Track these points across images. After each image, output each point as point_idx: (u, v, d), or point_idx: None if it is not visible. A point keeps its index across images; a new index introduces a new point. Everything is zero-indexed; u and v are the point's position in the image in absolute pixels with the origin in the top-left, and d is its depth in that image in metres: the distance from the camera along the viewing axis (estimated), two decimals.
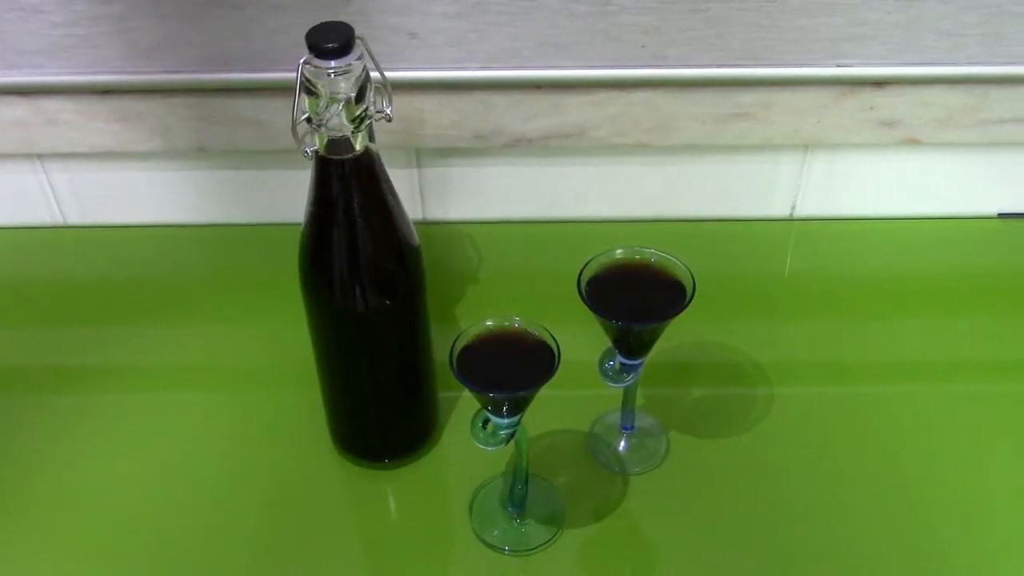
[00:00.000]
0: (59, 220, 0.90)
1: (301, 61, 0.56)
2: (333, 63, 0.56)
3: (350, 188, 0.60)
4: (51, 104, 0.79)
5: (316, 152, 0.59)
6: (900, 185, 0.87)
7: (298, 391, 0.74)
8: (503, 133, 0.81)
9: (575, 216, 0.87)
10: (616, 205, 0.87)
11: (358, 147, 0.59)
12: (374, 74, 0.58)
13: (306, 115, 0.58)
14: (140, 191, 0.88)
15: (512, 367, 0.61)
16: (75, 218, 0.90)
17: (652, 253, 0.65)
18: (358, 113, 0.58)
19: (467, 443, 0.72)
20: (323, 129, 0.58)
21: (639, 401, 0.72)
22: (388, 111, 0.60)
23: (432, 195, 0.87)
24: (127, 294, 0.85)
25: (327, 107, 0.57)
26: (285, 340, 0.76)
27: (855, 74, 0.77)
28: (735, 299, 0.82)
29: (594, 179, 0.86)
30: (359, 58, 0.57)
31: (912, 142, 0.81)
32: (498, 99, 0.79)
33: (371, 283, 0.63)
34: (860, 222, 0.89)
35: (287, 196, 0.84)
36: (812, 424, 0.73)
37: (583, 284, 0.64)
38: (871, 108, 0.79)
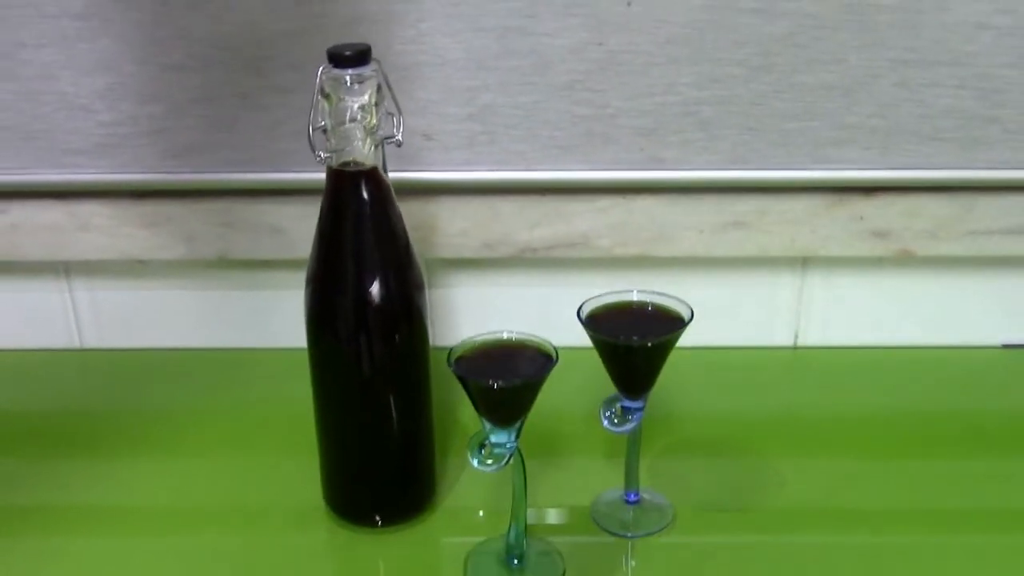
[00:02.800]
0: (75, 343, 0.92)
1: (320, 69, 0.62)
2: (350, 71, 0.61)
3: (359, 202, 0.63)
4: (85, 208, 0.85)
5: (328, 165, 0.63)
6: (903, 312, 0.89)
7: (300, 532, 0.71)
8: (509, 242, 0.84)
9: (573, 344, 0.87)
10: None
11: (369, 163, 0.63)
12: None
13: (322, 124, 0.63)
14: (158, 313, 0.91)
15: (510, 369, 0.61)
16: (92, 341, 0.92)
17: (651, 294, 0.67)
18: (370, 126, 0.62)
19: (464, 509, 0.71)
20: (335, 140, 0.62)
21: None
22: (398, 136, 0.65)
23: (440, 317, 0.89)
24: (129, 421, 0.83)
25: (342, 114, 0.61)
26: (291, 474, 0.75)
27: (841, 178, 0.81)
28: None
29: None
30: (374, 72, 0.62)
31: (905, 254, 0.84)
32: (505, 206, 0.83)
33: (376, 290, 0.64)
34: (861, 351, 0.89)
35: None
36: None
37: (583, 316, 0.65)
38: (861, 218, 0.83)
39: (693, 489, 0.73)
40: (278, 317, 0.90)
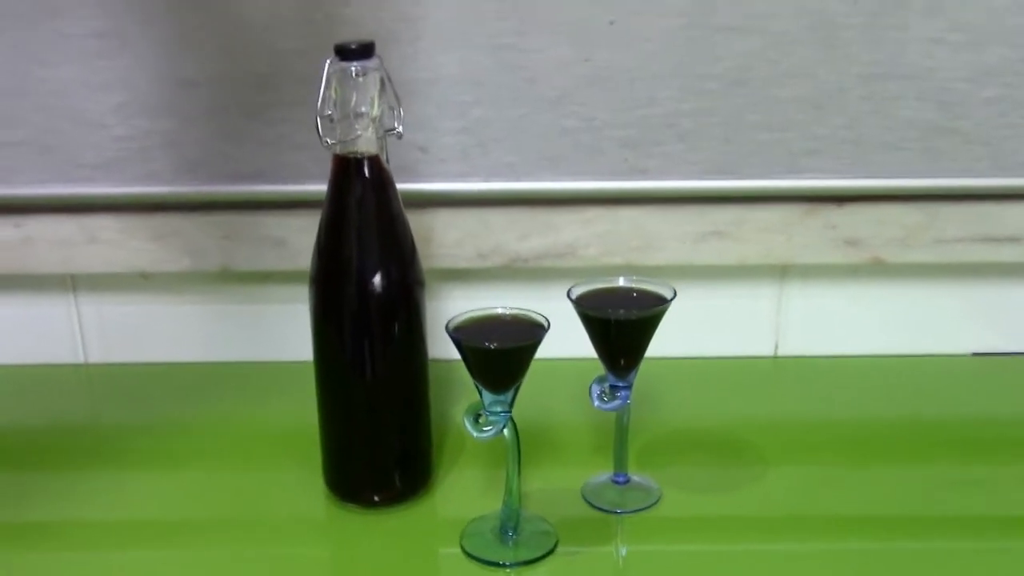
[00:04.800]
0: (80, 359, 0.95)
1: (328, 62, 0.66)
2: (355, 64, 0.66)
3: (363, 188, 0.68)
4: (95, 222, 0.89)
5: (334, 152, 0.68)
6: (878, 322, 0.93)
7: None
8: (501, 252, 0.89)
9: (559, 355, 0.90)
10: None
11: (372, 151, 0.68)
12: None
13: (329, 113, 0.67)
14: (162, 327, 0.94)
15: (505, 336, 0.65)
16: (97, 356, 0.95)
17: (637, 280, 0.71)
18: (373, 114, 0.67)
19: (459, 489, 0.75)
20: (341, 129, 0.67)
21: None
22: (398, 128, 0.69)
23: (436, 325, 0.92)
24: (133, 435, 0.85)
25: (347, 104, 0.66)
26: (293, 472, 0.77)
27: (813, 187, 0.86)
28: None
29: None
30: (377, 66, 0.67)
31: (877, 262, 0.88)
32: (496, 217, 0.88)
33: (379, 277, 0.68)
34: (838, 360, 0.93)
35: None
36: None
37: (573, 296, 0.69)
38: (834, 227, 0.88)
39: (679, 479, 0.76)
40: (280, 331, 0.93)
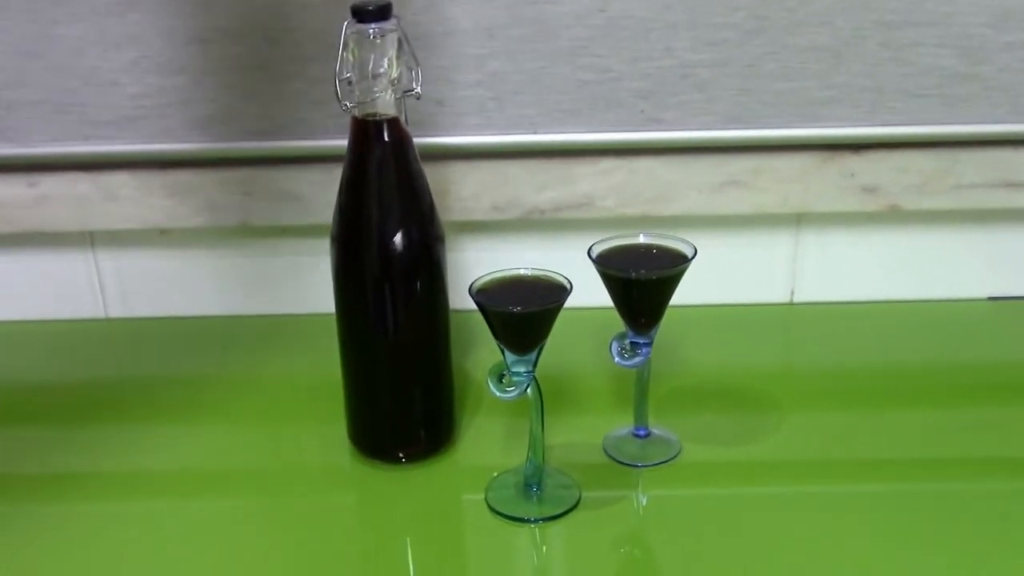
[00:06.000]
0: (101, 313, 0.96)
1: (345, 24, 0.66)
2: (373, 25, 0.66)
3: (383, 148, 0.68)
4: (113, 179, 0.89)
5: (353, 115, 0.67)
6: (894, 268, 0.93)
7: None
8: (518, 204, 0.89)
9: (579, 305, 0.90)
10: None
11: (391, 113, 0.67)
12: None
13: (347, 76, 0.67)
14: (181, 282, 0.94)
15: (528, 299, 0.65)
16: (117, 311, 0.96)
17: (656, 236, 0.71)
18: (392, 75, 0.67)
19: (483, 445, 0.76)
20: (359, 91, 0.67)
21: None
22: (417, 89, 0.69)
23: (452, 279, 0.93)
24: (154, 388, 0.86)
25: (365, 66, 0.66)
26: (318, 423, 0.78)
27: (832, 135, 0.86)
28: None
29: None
30: (394, 27, 0.67)
31: (894, 209, 0.88)
32: (513, 169, 0.88)
33: (400, 237, 0.69)
34: (853, 306, 0.94)
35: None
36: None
37: (594, 255, 0.70)
38: (852, 175, 0.87)
39: (698, 431, 0.77)
40: (299, 283, 0.94)
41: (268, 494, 0.73)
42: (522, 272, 0.67)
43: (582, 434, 0.76)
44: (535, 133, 0.86)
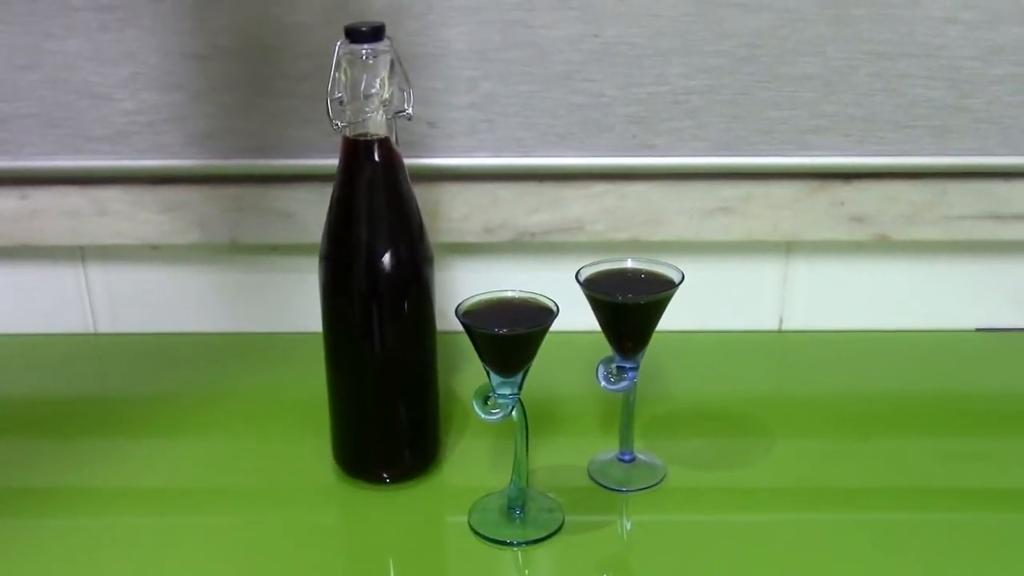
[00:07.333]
0: (90, 328, 0.96)
1: (338, 44, 0.66)
2: (366, 46, 0.66)
3: (373, 171, 0.68)
4: (105, 193, 0.89)
5: (344, 135, 0.68)
6: (882, 297, 0.93)
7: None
8: (509, 227, 0.89)
9: (566, 329, 0.90)
10: None
11: (382, 133, 0.68)
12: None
13: (339, 96, 0.67)
14: (171, 298, 0.94)
15: (514, 321, 0.65)
16: (106, 326, 0.96)
17: (645, 261, 0.72)
18: (383, 96, 0.67)
19: (467, 467, 0.76)
20: (351, 111, 0.67)
21: None
22: (408, 110, 0.69)
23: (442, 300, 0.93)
24: (143, 404, 0.86)
25: (357, 87, 0.66)
26: (304, 442, 0.78)
27: (822, 164, 0.86)
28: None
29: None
30: (387, 48, 0.67)
31: (883, 239, 0.89)
32: (504, 192, 0.88)
33: (388, 256, 0.69)
34: (842, 334, 0.94)
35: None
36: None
37: (581, 279, 0.70)
38: (842, 203, 0.88)
39: (683, 456, 0.77)
40: (288, 301, 0.94)
41: (252, 512, 0.73)
42: (509, 294, 0.67)
43: (567, 457, 0.76)
44: (527, 156, 0.87)
